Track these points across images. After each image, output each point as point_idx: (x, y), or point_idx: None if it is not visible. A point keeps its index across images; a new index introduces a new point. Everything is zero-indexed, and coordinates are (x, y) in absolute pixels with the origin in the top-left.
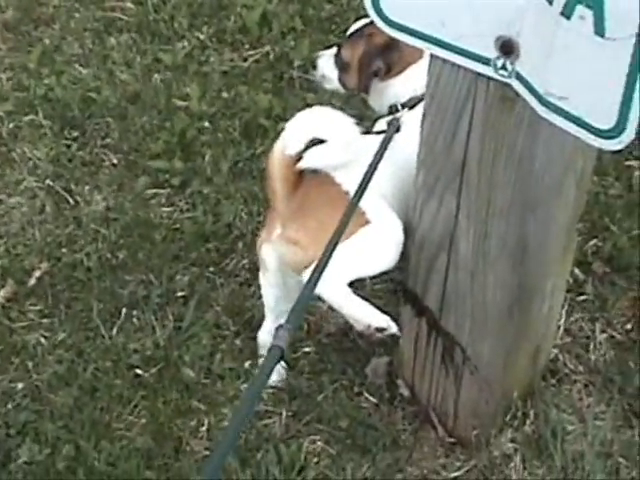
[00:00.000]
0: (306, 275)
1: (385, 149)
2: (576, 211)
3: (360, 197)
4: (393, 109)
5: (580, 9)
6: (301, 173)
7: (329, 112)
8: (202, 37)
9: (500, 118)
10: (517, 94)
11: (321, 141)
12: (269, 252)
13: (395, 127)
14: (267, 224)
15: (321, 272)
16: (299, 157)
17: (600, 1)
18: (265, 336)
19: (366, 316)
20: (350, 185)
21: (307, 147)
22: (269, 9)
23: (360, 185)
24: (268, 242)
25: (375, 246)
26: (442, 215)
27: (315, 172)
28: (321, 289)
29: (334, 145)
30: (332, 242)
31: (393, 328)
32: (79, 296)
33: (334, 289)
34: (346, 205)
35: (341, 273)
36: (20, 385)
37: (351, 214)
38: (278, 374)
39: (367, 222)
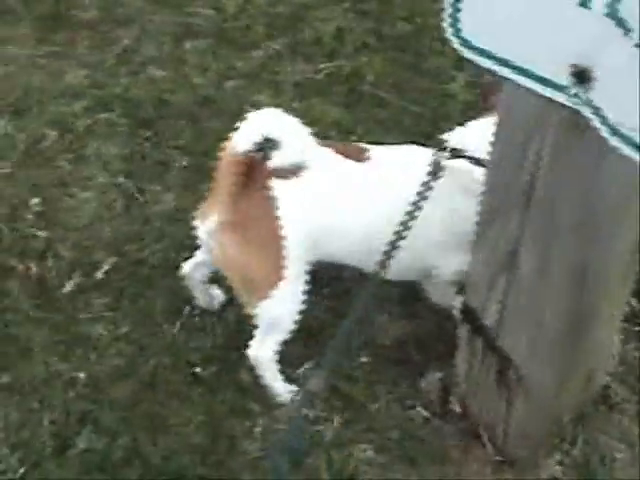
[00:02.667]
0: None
1: (423, 197)
2: (638, 239)
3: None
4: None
5: None
6: (250, 174)
7: (281, 114)
8: (277, 47)
9: (569, 144)
10: (588, 122)
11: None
12: (202, 231)
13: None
14: (209, 202)
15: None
16: (250, 157)
17: None
18: (186, 269)
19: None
20: (282, 197)
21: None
22: (344, 24)
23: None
24: (203, 223)
25: (280, 318)
26: (506, 235)
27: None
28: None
29: (290, 147)
30: None
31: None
32: (143, 292)
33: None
34: (274, 219)
35: (267, 343)
36: (81, 375)
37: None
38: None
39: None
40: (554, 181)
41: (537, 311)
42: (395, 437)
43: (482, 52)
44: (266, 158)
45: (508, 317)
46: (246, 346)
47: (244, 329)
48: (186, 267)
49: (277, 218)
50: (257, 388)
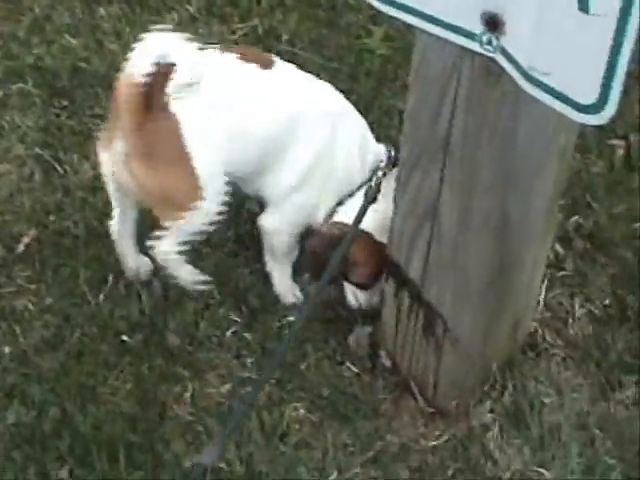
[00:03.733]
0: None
1: (364, 214)
2: (558, 187)
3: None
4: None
5: None
6: (149, 99)
7: (172, 36)
8: (191, 9)
9: (484, 93)
10: (502, 69)
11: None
12: (106, 161)
13: (371, 196)
14: (109, 133)
15: None
16: (147, 82)
17: None
18: (114, 226)
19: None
20: (183, 115)
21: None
22: None
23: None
24: (107, 152)
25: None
26: (426, 188)
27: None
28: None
29: (182, 67)
30: None
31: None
32: (66, 262)
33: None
34: (179, 138)
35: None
36: (7, 349)
37: None
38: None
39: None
40: (471, 132)
41: (460, 262)
42: (326, 394)
43: (392, 2)
44: (163, 79)
45: (432, 269)
46: (172, 314)
47: (170, 295)
48: (113, 226)
49: (182, 137)
50: (186, 353)
